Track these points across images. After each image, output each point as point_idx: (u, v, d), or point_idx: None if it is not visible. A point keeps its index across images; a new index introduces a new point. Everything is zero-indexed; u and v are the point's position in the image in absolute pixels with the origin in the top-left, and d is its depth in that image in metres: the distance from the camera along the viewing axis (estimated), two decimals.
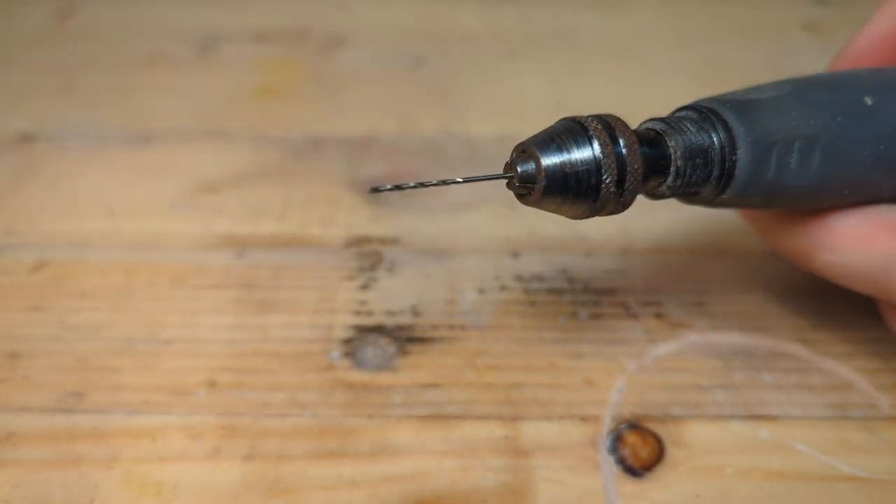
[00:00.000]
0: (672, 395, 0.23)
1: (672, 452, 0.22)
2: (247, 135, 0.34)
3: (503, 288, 0.27)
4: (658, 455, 0.22)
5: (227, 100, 0.36)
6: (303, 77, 0.38)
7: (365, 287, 0.27)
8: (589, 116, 0.18)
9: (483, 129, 0.34)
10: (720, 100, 0.20)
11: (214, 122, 0.35)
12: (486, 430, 0.22)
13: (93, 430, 0.22)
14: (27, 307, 0.26)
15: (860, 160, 0.20)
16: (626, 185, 0.18)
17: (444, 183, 0.19)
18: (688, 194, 0.20)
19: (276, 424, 0.22)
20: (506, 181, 0.19)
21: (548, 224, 0.29)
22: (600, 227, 0.28)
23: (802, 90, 0.20)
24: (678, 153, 0.19)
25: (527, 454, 0.21)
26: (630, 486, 0.21)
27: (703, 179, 0.19)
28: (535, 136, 0.19)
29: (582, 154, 0.18)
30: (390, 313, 0.26)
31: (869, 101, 0.20)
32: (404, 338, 0.25)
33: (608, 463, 0.21)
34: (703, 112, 0.19)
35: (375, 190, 0.19)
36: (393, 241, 0.29)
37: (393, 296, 0.26)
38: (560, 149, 0.18)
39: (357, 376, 0.24)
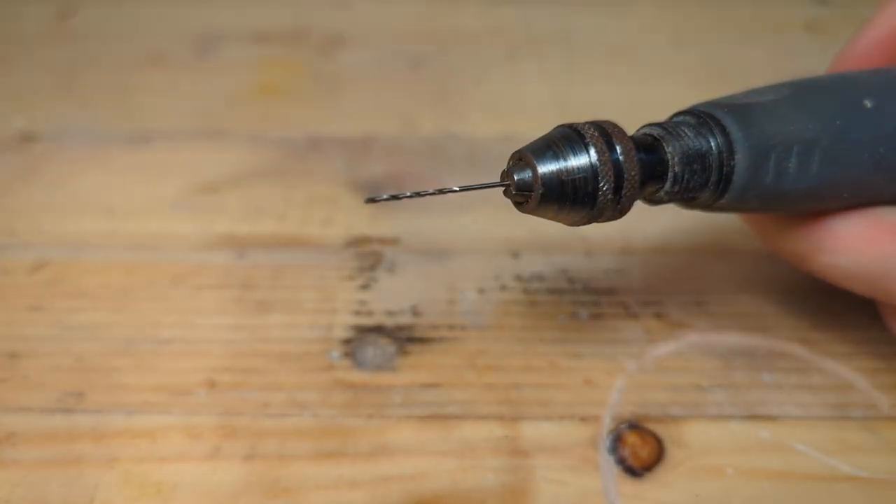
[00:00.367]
0: (672, 396, 0.23)
1: (672, 452, 0.22)
2: (247, 135, 0.34)
3: (503, 288, 0.27)
4: (658, 455, 0.22)
5: (227, 100, 0.36)
6: (302, 77, 0.38)
7: (365, 287, 0.27)
8: (586, 123, 0.18)
9: (483, 129, 0.34)
10: (718, 104, 0.19)
11: (214, 122, 0.35)
12: (486, 430, 0.22)
13: (92, 430, 0.22)
14: (27, 307, 0.26)
15: (860, 163, 0.19)
16: (623, 191, 0.18)
17: (441, 192, 0.19)
18: (686, 199, 0.20)
19: (276, 424, 0.22)
20: (503, 189, 0.19)
21: (548, 224, 0.29)
22: (600, 228, 0.28)
23: (801, 93, 0.20)
24: (676, 159, 0.19)
25: (527, 454, 0.21)
26: (630, 486, 0.21)
27: (701, 185, 0.19)
28: (532, 144, 0.18)
29: (578, 161, 0.18)
30: (390, 313, 0.26)
31: (868, 103, 0.19)
32: (404, 338, 0.25)
33: (608, 463, 0.21)
34: (701, 117, 0.19)
35: (371, 200, 0.19)
36: (393, 241, 0.28)
37: (393, 296, 0.26)
38: (556, 156, 0.18)
39: (357, 376, 0.24)
